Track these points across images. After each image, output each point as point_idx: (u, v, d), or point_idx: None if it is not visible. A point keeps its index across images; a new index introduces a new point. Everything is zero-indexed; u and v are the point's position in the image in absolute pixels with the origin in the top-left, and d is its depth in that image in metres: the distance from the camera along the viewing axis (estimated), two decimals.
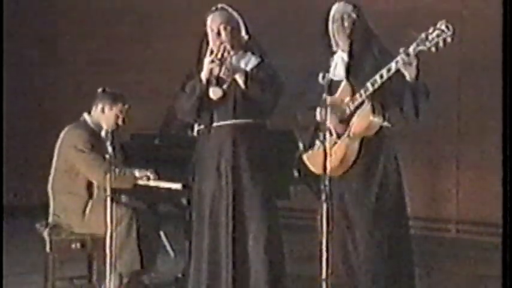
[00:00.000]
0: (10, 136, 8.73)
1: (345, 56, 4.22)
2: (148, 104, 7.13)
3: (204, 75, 4.33)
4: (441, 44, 3.82)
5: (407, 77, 3.95)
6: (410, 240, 4.21)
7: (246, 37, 4.45)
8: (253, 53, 4.44)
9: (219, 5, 4.43)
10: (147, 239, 5.03)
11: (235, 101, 4.35)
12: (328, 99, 3.90)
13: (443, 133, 7.21)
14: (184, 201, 4.91)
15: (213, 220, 4.38)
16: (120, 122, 5.08)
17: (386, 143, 4.16)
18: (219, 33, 4.35)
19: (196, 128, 4.57)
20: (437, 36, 3.81)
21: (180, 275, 5.23)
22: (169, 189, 4.99)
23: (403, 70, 3.93)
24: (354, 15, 4.18)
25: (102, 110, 5.06)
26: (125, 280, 4.89)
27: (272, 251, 4.34)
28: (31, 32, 9.16)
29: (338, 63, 4.26)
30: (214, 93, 4.31)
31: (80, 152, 4.95)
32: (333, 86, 4.15)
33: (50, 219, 5.08)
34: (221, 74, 4.30)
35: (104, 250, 4.32)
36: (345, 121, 4.15)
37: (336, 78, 4.22)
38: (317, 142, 4.26)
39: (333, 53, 4.29)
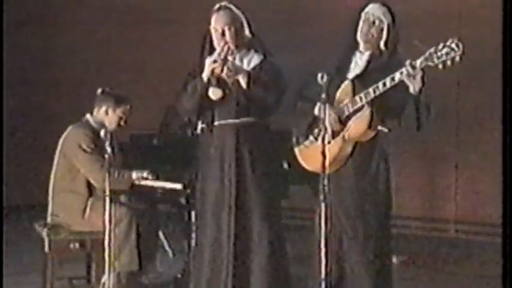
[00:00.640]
0: (10, 136, 8.73)
1: (365, 58, 4.19)
2: (148, 104, 7.12)
3: (205, 75, 4.32)
4: (449, 62, 3.79)
5: (411, 89, 3.93)
6: (390, 242, 4.22)
7: (249, 35, 4.44)
8: (256, 51, 4.43)
9: (223, 3, 4.41)
10: (146, 239, 5.03)
11: (237, 101, 4.34)
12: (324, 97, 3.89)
13: (443, 133, 7.21)
14: (183, 200, 4.91)
15: (215, 219, 4.37)
16: (122, 123, 5.09)
17: (379, 146, 4.15)
18: (223, 34, 4.34)
19: (199, 126, 4.55)
20: (446, 54, 3.78)
21: (179, 275, 5.22)
22: (169, 189, 4.99)
23: (407, 82, 3.91)
24: (385, 21, 4.15)
25: (106, 112, 5.07)
26: (123, 280, 4.89)
27: (275, 250, 4.33)
28: (31, 32, 9.16)
29: (357, 62, 4.24)
30: (214, 93, 4.31)
31: (83, 152, 4.96)
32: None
33: (49, 219, 5.07)
34: (223, 74, 4.29)
35: (103, 250, 4.32)
36: (342, 122, 4.14)
37: (350, 77, 4.21)
38: (310, 137, 4.26)
39: (355, 50, 4.26)
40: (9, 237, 6.49)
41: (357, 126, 4.09)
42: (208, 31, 4.40)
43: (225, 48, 4.28)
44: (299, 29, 7.69)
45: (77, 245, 4.96)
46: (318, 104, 4.14)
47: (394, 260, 4.48)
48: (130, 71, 8.82)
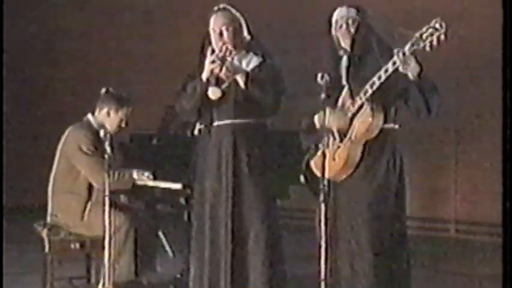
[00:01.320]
0: (10, 136, 8.74)
1: (346, 60, 4.21)
2: (147, 104, 7.12)
3: (204, 75, 4.32)
4: (435, 42, 3.79)
5: (410, 76, 3.94)
6: (407, 243, 4.19)
7: (248, 37, 4.44)
8: (255, 53, 4.44)
9: (222, 5, 4.42)
10: (146, 239, 5.03)
11: (235, 101, 4.35)
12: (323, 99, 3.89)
13: (442, 133, 7.22)
14: (182, 200, 4.91)
15: (213, 219, 4.38)
16: (123, 124, 5.08)
17: (388, 145, 4.14)
18: (221, 34, 4.34)
19: (197, 126, 4.56)
20: (431, 34, 3.80)
21: (178, 275, 5.22)
22: (168, 189, 4.99)
23: (403, 70, 3.91)
24: (358, 19, 4.16)
25: (108, 114, 5.06)
26: (122, 285, 4.88)
27: (272, 251, 4.34)
28: (31, 32, 9.17)
29: (344, 67, 4.25)
30: (213, 93, 4.31)
31: (84, 154, 4.95)
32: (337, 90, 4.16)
33: (48, 219, 5.07)
34: (222, 74, 4.30)
35: (103, 251, 4.32)
36: (347, 125, 4.13)
37: (344, 83, 4.22)
38: (320, 146, 4.26)
39: (340, 57, 4.26)
40: (9, 237, 6.49)
41: (361, 124, 4.09)
42: (207, 32, 4.41)
43: (224, 49, 4.29)
44: (299, 29, 7.69)
45: (77, 245, 4.96)
46: (317, 116, 4.17)
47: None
48: (130, 71, 8.83)
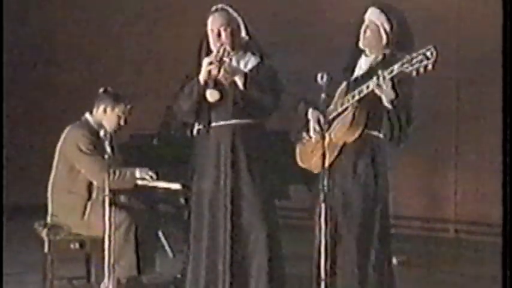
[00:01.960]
0: (10, 136, 8.73)
1: (368, 62, 4.19)
2: (147, 104, 7.13)
3: (202, 77, 4.32)
4: (422, 70, 3.78)
5: (384, 101, 3.93)
6: (389, 244, 4.20)
7: (246, 38, 4.44)
8: (253, 53, 4.43)
9: (220, 6, 4.42)
10: (146, 239, 5.02)
11: (234, 102, 4.35)
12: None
13: (442, 133, 7.21)
14: (182, 200, 4.91)
15: (211, 220, 4.37)
16: (122, 122, 5.08)
17: (368, 149, 4.13)
18: (219, 35, 4.34)
19: (196, 127, 4.56)
20: (420, 61, 3.77)
21: (178, 275, 5.22)
22: (168, 189, 4.99)
23: (378, 92, 3.91)
24: (387, 27, 4.13)
25: (104, 111, 5.06)
26: (123, 281, 4.88)
27: (272, 251, 4.33)
28: (31, 32, 9.16)
29: (362, 66, 4.24)
30: (211, 95, 4.30)
31: (82, 153, 4.95)
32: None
33: (48, 219, 5.07)
34: (220, 76, 4.29)
35: (103, 251, 4.32)
36: (329, 122, 4.15)
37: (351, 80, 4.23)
38: (304, 134, 4.27)
39: (361, 53, 4.25)
40: (9, 237, 6.49)
41: (340, 127, 4.11)
42: (205, 33, 4.41)
43: (221, 49, 4.28)
44: (299, 29, 7.68)
45: (77, 245, 4.95)
46: (310, 110, 4.20)
47: (394, 260, 4.46)
48: (130, 71, 8.82)
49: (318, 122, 4.14)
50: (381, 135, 4.10)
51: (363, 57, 4.22)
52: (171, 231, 6.11)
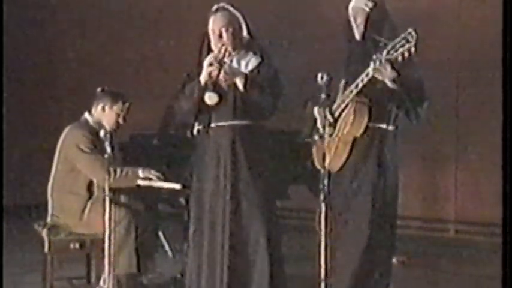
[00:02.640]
0: (10, 136, 8.73)
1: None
2: (148, 104, 7.13)
3: (203, 78, 4.31)
4: (406, 53, 3.83)
5: (388, 83, 3.95)
6: (394, 243, 4.21)
7: (247, 37, 4.43)
8: (254, 53, 4.42)
9: (221, 5, 4.40)
10: (146, 239, 5.02)
11: (234, 103, 4.34)
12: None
13: (442, 133, 7.21)
14: (182, 200, 4.91)
15: (211, 220, 4.37)
16: (121, 120, 5.09)
17: (375, 145, 4.14)
18: (220, 35, 4.33)
19: (196, 127, 4.55)
20: (403, 45, 3.82)
21: (178, 275, 5.22)
22: (168, 189, 4.98)
23: (379, 77, 3.93)
24: (366, 9, 4.16)
25: (103, 109, 5.07)
26: (123, 281, 4.88)
27: (271, 251, 4.33)
28: (31, 32, 9.16)
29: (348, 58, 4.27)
30: (210, 98, 4.28)
31: (82, 152, 4.95)
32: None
33: (48, 219, 5.07)
34: (220, 77, 4.28)
35: (103, 251, 4.31)
36: (335, 121, 4.16)
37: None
38: (316, 137, 4.29)
39: (358, 44, 4.28)
40: (9, 237, 6.49)
41: (345, 124, 4.12)
42: (206, 33, 4.40)
43: (223, 50, 4.27)
44: (299, 29, 7.68)
45: (77, 245, 4.95)
46: (315, 108, 4.20)
47: (394, 260, 4.46)
48: (130, 71, 8.82)
49: (325, 119, 4.15)
50: (390, 128, 4.12)
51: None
52: (171, 231, 6.11)
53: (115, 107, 5.07)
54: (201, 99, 4.32)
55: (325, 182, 3.67)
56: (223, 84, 4.31)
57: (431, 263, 6.38)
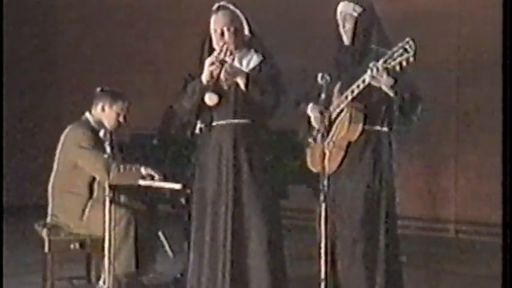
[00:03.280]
0: (10, 136, 8.73)
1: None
2: (148, 104, 7.13)
3: (204, 77, 4.31)
4: (404, 63, 3.82)
5: (385, 89, 3.95)
6: (398, 243, 4.19)
7: (249, 35, 4.43)
8: (256, 51, 4.42)
9: (222, 3, 4.39)
10: (146, 239, 5.02)
11: (235, 102, 4.34)
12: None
13: (442, 133, 7.21)
14: (183, 200, 4.91)
15: (212, 219, 4.37)
16: (121, 119, 5.09)
17: (370, 148, 4.13)
18: (222, 34, 4.33)
19: (198, 126, 4.55)
20: (401, 55, 3.81)
21: (178, 275, 5.22)
22: (168, 189, 4.98)
23: (376, 84, 3.93)
24: (355, 15, 4.15)
25: (103, 109, 5.07)
26: (124, 280, 4.88)
27: (273, 251, 4.33)
28: (31, 32, 9.16)
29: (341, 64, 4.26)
30: (210, 99, 4.28)
31: (84, 150, 4.95)
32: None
33: (48, 219, 5.07)
34: (221, 77, 4.28)
35: (103, 251, 4.31)
36: (329, 125, 4.16)
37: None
38: (310, 140, 4.28)
39: (347, 49, 4.26)
40: (9, 237, 6.49)
41: (341, 128, 4.11)
42: (208, 32, 4.39)
43: (224, 49, 4.27)
44: (299, 29, 7.68)
45: (77, 245, 4.95)
46: (310, 105, 4.18)
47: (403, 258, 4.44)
48: (131, 71, 8.82)
49: (320, 119, 4.14)
50: (384, 129, 4.11)
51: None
52: (171, 231, 6.10)
53: (115, 107, 5.07)
54: (202, 99, 4.32)
55: (325, 182, 3.67)
56: (224, 84, 4.31)
57: (431, 263, 6.38)
